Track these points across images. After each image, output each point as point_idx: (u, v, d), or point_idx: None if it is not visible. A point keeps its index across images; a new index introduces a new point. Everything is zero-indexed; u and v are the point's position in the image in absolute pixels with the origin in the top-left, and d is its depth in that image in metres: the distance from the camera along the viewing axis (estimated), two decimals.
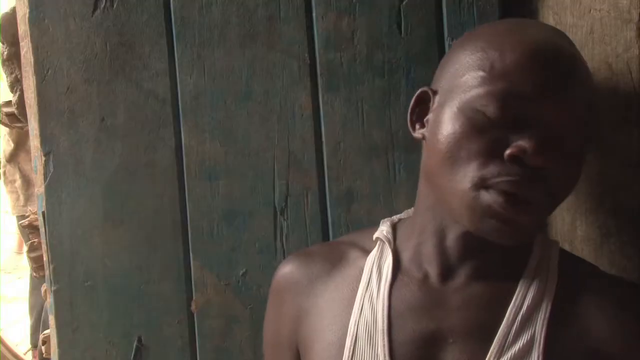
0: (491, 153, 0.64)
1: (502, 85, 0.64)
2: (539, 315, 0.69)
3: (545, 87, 0.64)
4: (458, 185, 0.66)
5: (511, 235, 0.66)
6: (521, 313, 0.69)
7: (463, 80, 0.67)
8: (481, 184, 0.64)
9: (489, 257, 0.72)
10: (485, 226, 0.65)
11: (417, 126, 0.75)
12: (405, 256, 0.76)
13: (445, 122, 0.67)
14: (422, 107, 0.75)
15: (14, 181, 3.10)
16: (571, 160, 0.66)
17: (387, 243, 0.77)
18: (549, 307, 0.69)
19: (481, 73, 0.65)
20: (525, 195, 0.64)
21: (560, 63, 0.65)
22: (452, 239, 0.73)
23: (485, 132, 0.64)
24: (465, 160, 0.65)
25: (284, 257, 0.95)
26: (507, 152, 0.63)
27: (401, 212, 0.85)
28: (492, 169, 0.64)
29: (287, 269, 0.84)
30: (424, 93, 0.74)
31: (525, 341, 0.68)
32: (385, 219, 0.82)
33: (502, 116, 0.64)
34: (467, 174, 0.65)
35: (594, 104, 0.69)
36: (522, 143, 0.63)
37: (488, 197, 0.64)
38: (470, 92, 0.66)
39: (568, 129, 0.65)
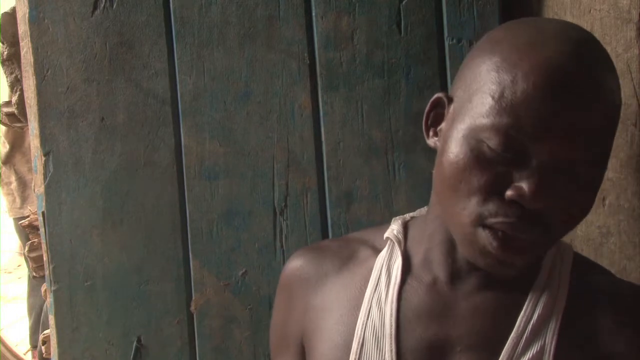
0: (491, 190, 0.63)
1: (507, 120, 0.61)
2: (550, 325, 0.67)
3: (554, 124, 0.60)
4: (458, 217, 0.65)
5: (506, 272, 0.65)
6: (531, 323, 0.68)
7: (474, 101, 0.65)
8: (479, 222, 0.63)
9: None
10: (481, 262, 0.65)
11: (431, 133, 0.73)
12: (416, 259, 0.75)
13: (451, 147, 0.66)
14: (438, 112, 0.73)
15: (10, 183, 3.09)
16: (578, 196, 0.63)
17: (397, 244, 0.76)
18: (560, 317, 0.68)
19: (490, 100, 0.63)
20: (521, 237, 0.62)
21: (576, 94, 0.61)
22: (460, 250, 0.71)
23: (487, 167, 0.63)
24: (466, 193, 0.64)
25: (284, 257, 0.95)
26: (507, 193, 0.61)
27: (400, 212, 0.85)
28: (490, 207, 0.62)
29: (297, 263, 0.82)
30: (439, 99, 0.72)
31: (535, 352, 0.66)
32: (398, 217, 0.81)
33: (505, 151, 0.62)
34: (467, 208, 0.64)
35: (610, 145, 0.65)
36: (522, 185, 0.61)
37: (484, 236, 0.63)
38: (477, 120, 0.63)
39: (577, 166, 0.62)
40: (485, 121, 0.63)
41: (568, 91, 0.61)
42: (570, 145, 0.61)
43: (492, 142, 0.62)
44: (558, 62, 0.61)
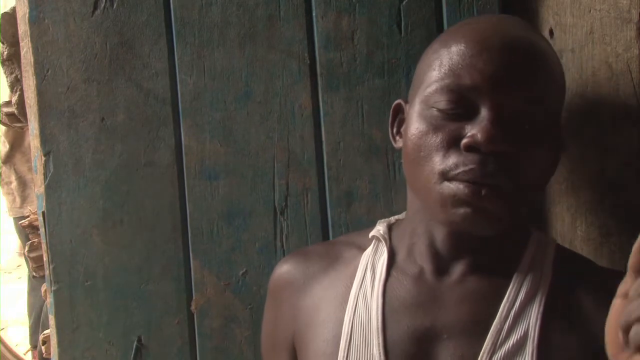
0: (449, 146, 0.67)
1: (449, 79, 0.67)
2: (533, 310, 0.69)
3: (491, 73, 0.65)
4: (425, 183, 0.68)
5: (483, 223, 0.67)
6: (514, 308, 0.69)
7: (420, 83, 0.71)
8: (444, 177, 0.66)
9: (482, 253, 0.72)
10: (457, 217, 0.66)
11: (397, 137, 0.78)
12: (401, 254, 0.77)
13: (409, 127, 0.71)
14: (400, 118, 0.78)
15: (10, 183, 3.09)
16: (531, 144, 0.67)
17: (383, 241, 0.78)
18: (543, 302, 0.69)
19: (433, 72, 0.69)
20: (487, 182, 0.65)
21: (508, 50, 0.66)
22: (440, 239, 0.74)
23: (441, 128, 0.67)
24: (428, 158, 0.68)
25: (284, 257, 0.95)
26: (462, 142, 0.66)
27: (401, 212, 0.85)
28: (451, 162, 0.66)
29: (284, 269, 0.84)
30: (398, 105, 0.78)
31: (519, 336, 0.68)
32: (382, 220, 0.83)
33: (453, 109, 0.67)
34: (431, 171, 0.67)
35: (553, 90, 0.70)
36: (475, 132, 0.65)
37: (452, 187, 0.66)
38: (425, 91, 0.69)
39: (522, 114, 0.66)
40: (431, 89, 0.68)
41: (500, 44, 0.66)
42: (511, 93, 0.66)
43: (440, 104, 0.67)
44: (488, 29, 0.68)
